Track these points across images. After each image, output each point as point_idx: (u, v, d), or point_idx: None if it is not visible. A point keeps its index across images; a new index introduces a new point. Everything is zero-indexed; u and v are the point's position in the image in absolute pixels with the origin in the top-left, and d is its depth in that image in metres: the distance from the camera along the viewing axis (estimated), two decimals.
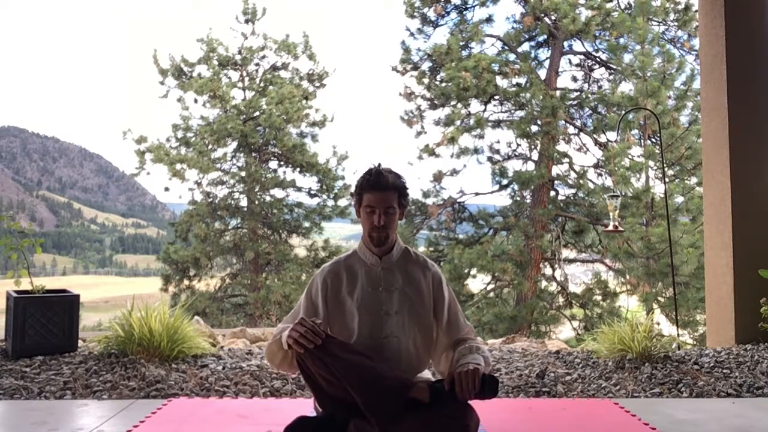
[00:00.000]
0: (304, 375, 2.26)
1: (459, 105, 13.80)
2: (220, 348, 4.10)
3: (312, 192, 16.32)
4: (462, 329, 2.49)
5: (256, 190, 15.90)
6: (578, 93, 14.12)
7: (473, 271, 12.90)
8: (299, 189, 16.29)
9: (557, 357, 4.03)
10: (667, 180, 9.91)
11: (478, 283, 13.79)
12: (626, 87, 13.10)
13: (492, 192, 13.87)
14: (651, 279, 11.13)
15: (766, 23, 4.90)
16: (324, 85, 17.05)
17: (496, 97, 13.73)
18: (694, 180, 11.87)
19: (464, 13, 14.56)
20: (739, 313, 4.58)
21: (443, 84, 13.74)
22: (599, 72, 14.68)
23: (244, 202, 16.11)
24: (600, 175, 13.75)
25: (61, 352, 3.79)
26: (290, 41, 16.70)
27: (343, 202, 16.19)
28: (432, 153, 13.84)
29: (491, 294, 13.77)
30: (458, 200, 14.09)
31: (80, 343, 4.08)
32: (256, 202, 16.02)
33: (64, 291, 4.12)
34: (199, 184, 15.73)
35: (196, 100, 16.03)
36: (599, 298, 12.92)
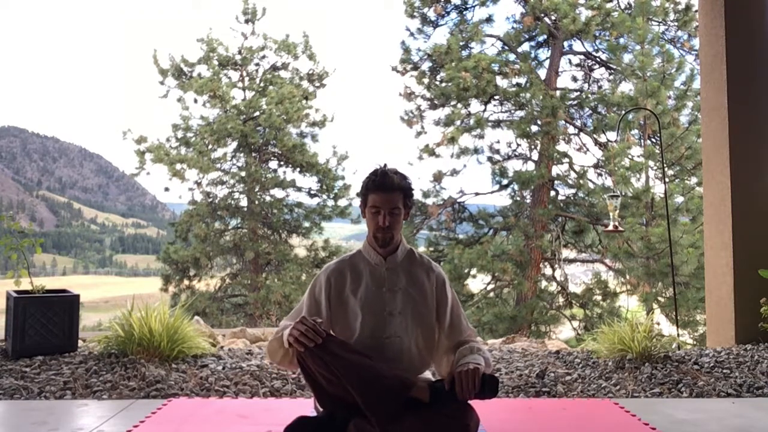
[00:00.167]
0: (304, 374, 2.26)
1: (459, 105, 13.80)
2: (220, 348, 4.10)
3: (312, 192, 16.33)
4: (464, 332, 2.49)
5: (256, 190, 15.90)
6: (578, 93, 14.12)
7: (473, 271, 12.90)
8: (299, 189, 16.30)
9: (557, 357, 4.03)
10: (667, 180, 9.92)
11: (478, 283, 13.79)
12: (626, 87, 13.12)
13: (492, 192, 13.88)
14: (651, 279, 11.13)
15: (766, 23, 4.90)
16: (324, 85, 17.06)
17: (496, 97, 13.73)
18: (694, 180, 11.87)
19: (464, 13, 14.56)
20: (739, 313, 4.58)
21: (443, 84, 13.74)
22: (599, 72, 14.71)
23: (244, 202, 16.11)
24: (600, 175, 13.76)
25: (61, 352, 3.79)
26: (290, 41, 16.70)
27: (343, 202, 16.21)
28: (432, 153, 13.84)
29: (491, 294, 13.77)
30: (458, 200, 14.09)
31: (80, 343, 4.08)
32: (256, 202, 16.02)
33: (64, 291, 4.11)
34: (199, 184, 15.74)
35: (196, 100, 16.04)
36: (599, 298, 12.92)
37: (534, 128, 13.30)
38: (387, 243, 2.41)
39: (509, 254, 12.40)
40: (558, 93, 13.66)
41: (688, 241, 9.83)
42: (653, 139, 12.76)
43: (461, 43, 13.81)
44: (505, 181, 13.61)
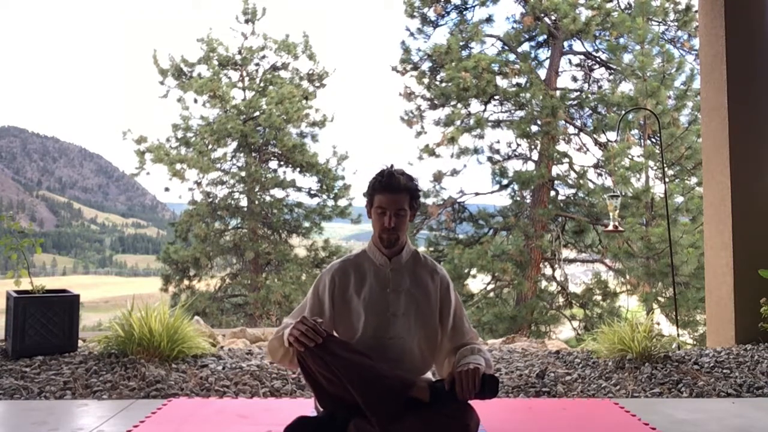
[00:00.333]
0: (304, 373, 2.26)
1: (459, 105, 13.80)
2: (220, 348, 4.10)
3: (312, 192, 16.33)
4: (466, 334, 2.49)
5: (256, 190, 15.90)
6: (578, 93, 14.12)
7: (473, 271, 12.90)
8: (299, 189, 16.30)
9: (557, 357, 4.03)
10: (667, 180, 9.92)
11: (478, 283, 13.79)
12: (626, 87, 13.12)
13: (492, 192, 13.88)
14: (651, 279, 11.13)
15: (766, 23, 4.90)
16: (324, 85, 17.05)
17: (496, 97, 13.73)
18: (694, 180, 11.87)
19: (464, 13, 14.56)
20: (739, 313, 4.58)
21: (443, 84, 13.74)
22: (599, 72, 14.71)
23: (244, 202, 16.11)
24: (600, 175, 13.76)
25: (61, 352, 3.79)
26: (290, 41, 16.69)
27: (343, 202, 16.21)
28: (432, 153, 13.84)
29: (491, 294, 13.77)
30: (458, 200, 14.09)
31: (80, 343, 4.08)
32: (256, 202, 16.02)
33: (64, 291, 4.11)
34: (199, 184, 15.74)
35: (196, 100, 16.03)
36: (599, 298, 12.92)
37: (534, 128, 13.30)
38: (392, 244, 2.41)
39: (509, 254, 12.40)
40: (558, 93, 13.66)
41: (688, 241, 9.83)
42: (653, 139, 12.76)
43: (461, 43, 13.81)
44: (505, 181, 13.62)
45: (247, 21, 16.74)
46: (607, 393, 3.39)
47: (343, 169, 16.27)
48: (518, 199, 13.87)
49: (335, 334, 2.43)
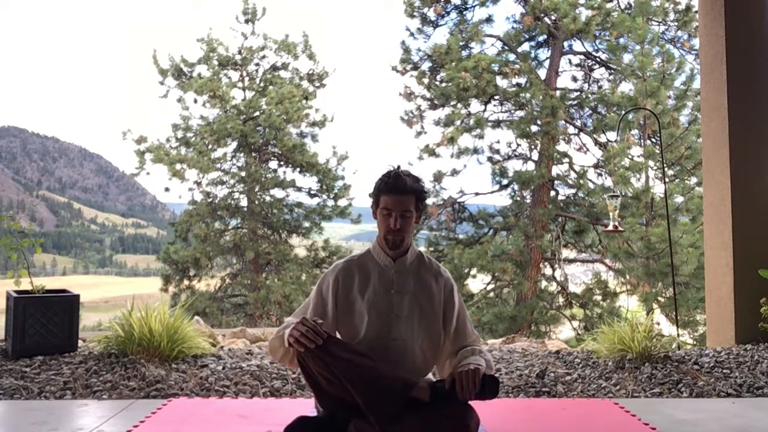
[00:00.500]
0: (304, 374, 2.26)
1: (459, 105, 13.80)
2: (220, 348, 4.10)
3: (312, 192, 16.33)
4: (469, 337, 2.49)
5: (256, 190, 15.90)
6: (578, 93, 14.12)
7: (473, 271, 12.90)
8: (299, 189, 16.29)
9: (557, 357, 4.03)
10: (667, 180, 9.92)
11: (478, 283, 13.79)
12: (626, 87, 13.12)
13: (492, 192, 13.88)
14: (651, 279, 11.13)
15: (766, 23, 4.90)
16: (324, 85, 17.05)
17: (496, 97, 13.73)
18: (694, 180, 11.87)
19: (464, 13, 14.56)
20: (739, 313, 4.58)
21: (443, 84, 13.74)
22: (599, 72, 14.70)
23: (244, 202, 16.11)
24: (600, 175, 13.75)
25: (61, 352, 3.79)
26: (290, 41, 16.69)
27: (343, 202, 16.21)
28: (432, 153, 13.84)
29: (491, 294, 13.77)
30: (458, 200, 14.09)
31: (80, 343, 4.08)
32: (256, 202, 16.02)
33: (64, 291, 4.11)
34: (199, 184, 15.74)
35: (196, 100, 16.03)
36: (599, 298, 12.92)
37: (534, 128, 13.30)
38: (397, 245, 2.40)
39: (509, 254, 12.40)
40: (558, 93, 13.66)
41: (688, 241, 9.83)
42: (653, 139, 12.76)
43: (461, 43, 13.81)
44: (505, 181, 13.62)
45: (247, 21, 16.75)
46: (607, 393, 3.39)
47: (343, 169, 16.30)
48: (518, 199, 13.87)
49: (338, 333, 2.43)
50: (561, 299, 13.34)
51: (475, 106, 13.88)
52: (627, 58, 12.50)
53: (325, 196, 16.27)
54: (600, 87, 14.44)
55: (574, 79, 14.78)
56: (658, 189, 11.55)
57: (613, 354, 3.88)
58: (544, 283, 13.38)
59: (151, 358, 3.59)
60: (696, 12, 9.57)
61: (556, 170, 13.83)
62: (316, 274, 15.23)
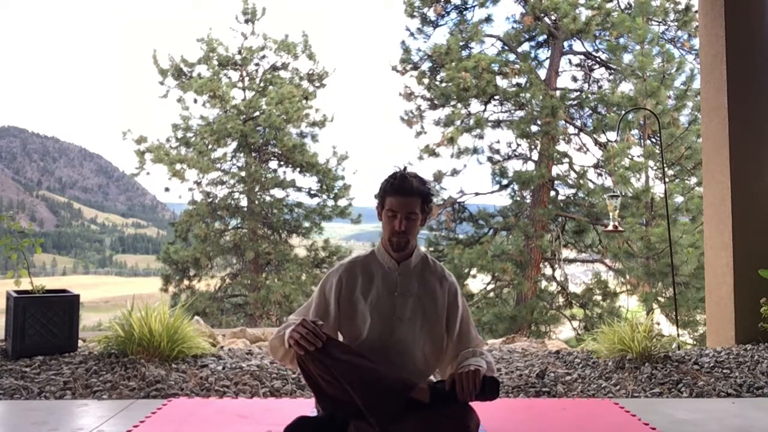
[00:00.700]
0: (304, 375, 2.26)
1: (459, 105, 13.80)
2: (220, 348, 4.10)
3: (312, 192, 16.33)
4: (472, 341, 2.48)
5: (256, 190, 15.90)
6: (578, 93, 14.12)
7: (473, 271, 12.90)
8: (299, 189, 16.29)
9: (557, 357, 4.03)
10: (667, 180, 9.92)
11: (478, 283, 13.79)
12: (626, 87, 13.11)
13: (492, 192, 13.88)
14: (651, 279, 11.13)
15: (766, 23, 4.90)
16: (324, 85, 17.05)
17: (496, 97, 13.73)
18: (694, 180, 11.87)
19: (464, 13, 14.56)
20: (739, 313, 4.58)
21: (443, 84, 13.73)
22: (599, 72, 14.70)
23: (244, 202, 16.11)
24: (600, 175, 13.75)
25: (61, 352, 3.79)
26: (290, 41, 16.69)
27: (343, 202, 16.20)
28: (432, 153, 13.84)
29: (491, 294, 13.77)
30: (458, 200, 14.09)
31: (80, 343, 4.08)
32: (256, 202, 16.02)
33: (64, 291, 4.11)
34: (199, 184, 15.74)
35: (195, 100, 16.03)
36: (599, 298, 12.92)
37: (534, 128, 13.30)
38: (402, 247, 2.39)
39: (509, 254, 12.40)
40: (558, 93, 13.66)
41: (688, 241, 9.83)
42: (653, 139, 12.76)
43: (461, 43, 13.81)
44: (505, 181, 13.62)
45: (247, 21, 16.75)
46: (607, 393, 3.39)
47: (343, 169, 16.30)
48: (518, 199, 13.87)
49: (339, 334, 2.43)
50: (561, 299, 13.34)
51: (475, 106, 13.90)
52: (627, 58, 12.51)
53: (325, 196, 16.27)
54: (600, 87, 14.44)
55: (574, 79, 14.80)
56: (658, 189, 11.56)
57: (613, 354, 3.88)
58: (544, 283, 13.38)
59: (151, 358, 3.59)
60: (696, 12, 9.57)
61: (556, 170, 13.83)
62: (316, 274, 15.24)
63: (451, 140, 13.45)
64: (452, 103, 13.82)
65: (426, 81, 14.36)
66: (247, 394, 3.29)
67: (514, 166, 13.91)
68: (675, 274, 7.95)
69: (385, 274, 2.42)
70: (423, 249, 2.58)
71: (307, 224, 16.07)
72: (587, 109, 13.91)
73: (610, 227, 5.47)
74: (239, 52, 16.58)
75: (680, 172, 12.03)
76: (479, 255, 12.26)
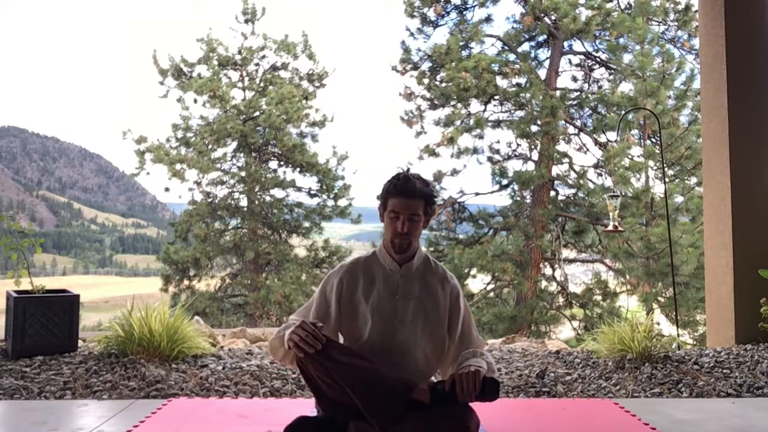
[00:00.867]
0: (304, 377, 2.26)
1: (459, 105, 13.80)
2: (220, 348, 4.10)
3: (312, 192, 16.33)
4: (473, 343, 2.47)
5: (256, 190, 15.90)
6: (578, 93, 14.12)
7: (473, 271, 12.89)
8: (299, 189, 16.29)
9: (557, 357, 4.03)
10: (667, 180, 9.91)
11: (478, 283, 13.78)
12: (626, 87, 13.11)
13: (492, 192, 13.88)
14: (651, 279, 11.13)
15: (766, 23, 4.90)
16: (324, 85, 17.05)
17: (496, 97, 13.73)
18: (694, 180, 11.87)
19: (464, 13, 14.56)
20: (739, 313, 4.58)
21: (443, 84, 13.73)
22: (599, 72, 14.70)
23: (244, 202, 16.11)
24: (600, 175, 13.75)
25: (61, 352, 3.79)
26: (290, 41, 16.69)
27: (343, 202, 16.20)
28: (432, 153, 13.84)
29: (491, 294, 13.77)
30: (458, 200, 14.09)
31: (80, 343, 4.08)
32: (256, 202, 16.02)
33: (64, 291, 4.11)
34: (199, 184, 15.74)
35: (195, 100, 16.03)
36: (599, 298, 12.92)
37: (534, 128, 13.30)
38: (404, 249, 2.38)
39: (509, 254, 12.40)
40: (558, 93, 13.66)
41: (688, 241, 9.83)
42: (653, 139, 12.76)
43: (461, 43, 13.81)
44: (505, 181, 13.62)
45: (246, 21, 16.75)
46: (607, 393, 3.39)
47: (343, 169, 16.30)
48: (518, 199, 13.87)
49: (340, 335, 2.42)
50: (561, 299, 13.34)
51: (475, 106, 13.90)
52: (627, 58, 12.50)
53: (325, 196, 16.27)
54: (600, 87, 14.44)
55: (574, 79, 14.80)
56: (658, 189, 11.56)
57: (613, 354, 3.88)
58: (544, 283, 13.38)
59: (151, 358, 3.59)
60: (696, 12, 9.56)
61: (556, 170, 13.83)
62: (316, 274, 15.24)
63: (451, 140, 13.45)
64: (452, 103, 13.82)
65: (426, 81, 14.36)
66: (247, 394, 3.29)
67: (514, 166, 13.93)
68: (675, 274, 7.95)
69: (387, 276, 2.41)
70: (424, 249, 2.57)
71: (307, 224, 16.07)
72: (587, 109, 13.91)
73: (610, 227, 5.47)
74: (239, 52, 16.59)
75: (680, 172, 12.03)
76: (479, 255, 12.26)
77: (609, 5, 13.54)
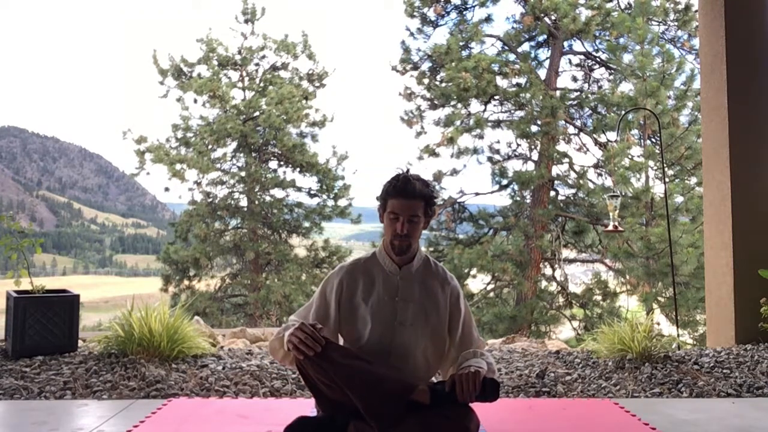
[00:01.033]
0: (304, 378, 2.26)
1: (459, 105, 13.80)
2: (220, 348, 4.10)
3: (312, 192, 16.32)
4: (474, 343, 2.47)
5: (256, 190, 15.90)
6: (578, 93, 14.12)
7: (473, 271, 12.90)
8: (299, 189, 16.29)
9: (557, 357, 4.03)
10: (667, 180, 9.91)
11: (478, 283, 13.79)
12: (626, 87, 13.11)
13: (492, 192, 13.88)
14: (651, 279, 11.13)
15: (766, 23, 4.90)
16: (324, 85, 17.05)
17: (496, 97, 13.73)
18: (694, 180, 11.86)
19: (464, 13, 14.56)
20: (739, 313, 4.58)
21: (443, 84, 13.73)
22: (599, 72, 14.70)
23: (244, 202, 16.11)
24: (600, 175, 13.75)
25: (61, 352, 3.79)
26: (290, 41, 16.69)
27: (343, 202, 16.20)
28: (432, 153, 13.84)
29: (491, 294, 13.77)
30: (458, 200, 14.09)
31: (80, 343, 4.08)
32: (256, 202, 16.02)
33: (64, 291, 4.11)
34: (199, 184, 15.74)
35: (195, 100, 16.03)
36: (599, 298, 12.92)
37: (534, 128, 13.30)
38: (404, 251, 2.37)
39: (509, 254, 12.40)
40: (558, 93, 13.66)
41: (688, 241, 9.83)
42: (653, 139, 12.76)
43: (461, 43, 13.81)
44: (505, 181, 13.61)
45: (246, 21, 16.75)
46: (607, 393, 3.39)
47: (343, 169, 16.30)
48: (518, 199, 13.87)
49: (340, 336, 2.42)
50: (561, 299, 13.34)
51: (475, 106, 13.90)
52: (627, 58, 12.49)
53: (325, 196, 16.27)
54: (600, 87, 14.44)
55: (574, 79, 14.79)
56: (658, 189, 11.56)
57: (613, 354, 3.88)
58: (544, 283, 13.38)
59: (151, 358, 3.59)
60: (696, 12, 9.57)
61: (556, 170, 13.83)
62: (316, 274, 15.24)
63: (451, 140, 13.45)
64: (452, 103, 13.82)
65: (426, 81, 14.36)
66: (247, 394, 3.29)
67: (514, 166, 13.93)
68: (675, 274, 7.95)
69: (387, 278, 2.40)
70: (424, 250, 2.57)
71: (307, 224, 16.07)
72: (587, 109, 13.91)
73: (610, 227, 5.47)
74: (239, 52, 16.59)
75: (680, 172, 12.03)
76: (479, 255, 12.26)
77: (609, 5, 13.54)
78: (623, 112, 11.39)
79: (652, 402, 3.23)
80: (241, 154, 16.06)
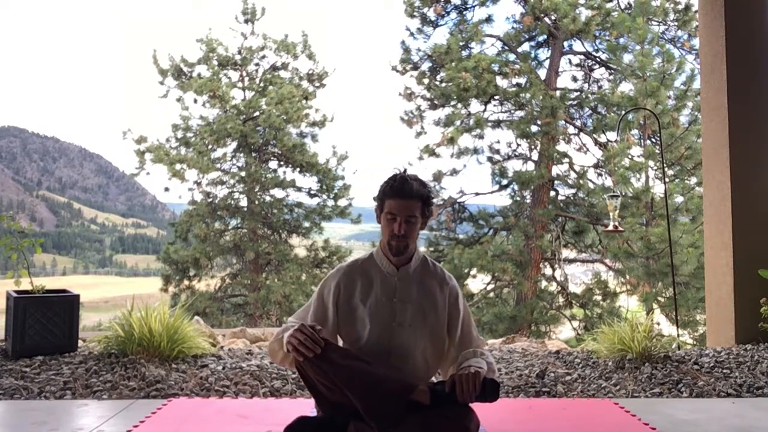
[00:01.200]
0: (303, 380, 2.26)
1: (459, 105, 13.80)
2: (220, 348, 4.10)
3: (312, 192, 16.33)
4: (473, 343, 2.47)
5: (256, 190, 15.90)
6: (578, 93, 14.12)
7: (473, 271, 12.90)
8: (299, 189, 16.29)
9: (557, 357, 4.03)
10: (667, 180, 9.91)
11: (478, 283, 13.79)
12: (626, 87, 13.11)
13: (492, 192, 13.88)
14: (651, 279, 11.13)
15: (766, 23, 4.90)
16: (324, 85, 17.05)
17: (496, 97, 13.73)
18: (694, 180, 11.86)
19: (464, 13, 14.56)
20: (739, 313, 4.58)
21: (443, 84, 13.74)
22: (599, 72, 14.70)
23: (244, 202, 16.11)
24: (600, 175, 13.76)
25: (61, 352, 3.79)
26: (290, 41, 16.69)
27: (343, 202, 16.21)
28: (432, 153, 13.84)
29: (491, 294, 13.77)
30: (458, 200, 14.09)
31: (80, 343, 4.08)
32: (256, 202, 16.02)
33: (64, 291, 4.11)
34: (199, 184, 15.74)
35: (195, 100, 16.03)
36: (599, 298, 12.92)
37: (534, 128, 13.30)
38: (401, 252, 2.36)
39: (509, 254, 12.40)
40: (558, 93, 13.66)
41: (688, 241, 9.83)
42: (653, 139, 12.76)
43: (461, 43, 13.81)
44: (505, 181, 13.62)
45: (246, 21, 16.75)
46: (607, 393, 3.39)
47: (343, 169, 16.30)
48: (518, 199, 13.87)
49: (339, 337, 2.41)
50: (561, 299, 13.35)
51: (475, 106, 13.90)
52: (627, 58, 12.49)
53: (325, 196, 16.27)
54: (600, 87, 14.44)
55: (574, 79, 14.79)
56: (658, 189, 11.56)
57: (613, 354, 3.88)
58: (544, 283, 13.38)
59: (151, 358, 3.59)
60: (696, 12, 9.57)
61: (556, 170, 13.84)
62: (316, 275, 15.24)
63: (451, 140, 13.45)
64: (452, 103, 13.83)
65: (426, 81, 14.36)
66: (247, 394, 3.29)
67: (514, 166, 13.93)
68: (675, 274, 7.95)
69: (384, 279, 2.39)
70: (423, 250, 2.56)
71: (307, 224, 16.07)
72: (587, 109, 13.91)
73: (610, 227, 5.47)
74: (239, 52, 16.59)
75: (680, 172, 12.03)
76: (479, 255, 12.26)
77: (609, 5, 13.54)
78: (623, 112, 11.39)
79: (652, 402, 3.23)
80: (241, 154, 16.06)
